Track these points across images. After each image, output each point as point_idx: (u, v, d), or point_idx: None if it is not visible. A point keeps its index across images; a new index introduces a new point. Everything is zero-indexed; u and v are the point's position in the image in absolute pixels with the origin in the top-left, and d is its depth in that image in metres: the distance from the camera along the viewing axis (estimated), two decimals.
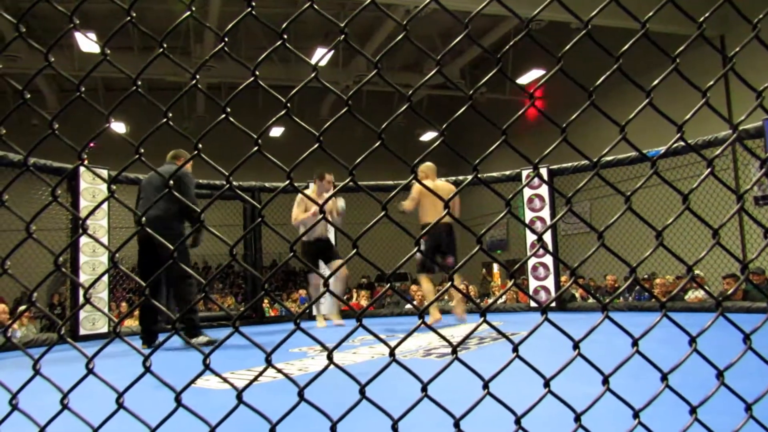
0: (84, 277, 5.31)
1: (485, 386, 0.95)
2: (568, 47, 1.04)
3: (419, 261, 5.18)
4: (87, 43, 10.85)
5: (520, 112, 0.91)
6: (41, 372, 0.96)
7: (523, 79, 13.39)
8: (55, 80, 14.40)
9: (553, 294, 6.54)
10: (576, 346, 0.98)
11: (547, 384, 0.96)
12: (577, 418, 0.97)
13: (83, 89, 0.94)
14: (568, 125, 1.00)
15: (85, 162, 0.97)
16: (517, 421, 0.95)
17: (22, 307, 7.95)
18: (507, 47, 1.07)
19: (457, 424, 0.93)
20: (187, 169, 4.32)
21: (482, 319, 0.96)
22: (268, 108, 13.51)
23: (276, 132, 15.98)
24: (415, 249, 0.96)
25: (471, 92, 1.01)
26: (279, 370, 0.88)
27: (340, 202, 5.31)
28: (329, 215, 4.98)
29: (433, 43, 13.78)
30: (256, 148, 0.84)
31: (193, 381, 0.87)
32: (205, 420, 0.86)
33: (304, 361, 3.13)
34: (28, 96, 0.93)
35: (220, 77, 13.34)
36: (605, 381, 0.99)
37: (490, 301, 8.71)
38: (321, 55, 11.77)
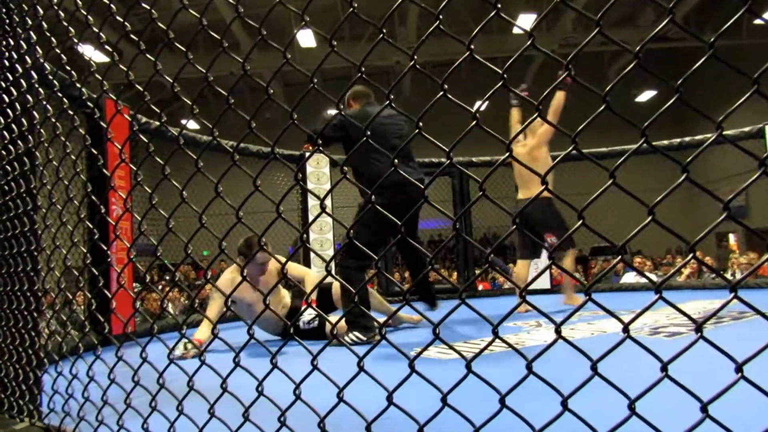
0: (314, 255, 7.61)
1: (738, 369, 1.16)
2: None
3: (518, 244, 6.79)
4: (306, 38, 17.82)
5: None
6: (278, 366, 1.54)
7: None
8: (280, 76, 22.47)
9: None
10: None
11: None
12: None
13: (315, 81, 1.49)
14: None
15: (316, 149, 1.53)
16: None
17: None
18: None
19: (705, 409, 1.19)
20: None
21: (732, 295, 1.15)
22: (471, 82, 15.18)
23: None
24: (649, 218, 1.27)
25: (712, 39, 1.28)
26: (509, 344, 1.29)
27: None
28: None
29: None
30: (474, 123, 1.27)
31: (425, 349, 1.35)
32: (437, 387, 1.32)
33: (520, 335, 4.58)
34: (272, 91, 1.50)
35: (425, 56, 19.49)
36: None
37: (737, 275, 10.12)
38: (534, 20, 12.95)
